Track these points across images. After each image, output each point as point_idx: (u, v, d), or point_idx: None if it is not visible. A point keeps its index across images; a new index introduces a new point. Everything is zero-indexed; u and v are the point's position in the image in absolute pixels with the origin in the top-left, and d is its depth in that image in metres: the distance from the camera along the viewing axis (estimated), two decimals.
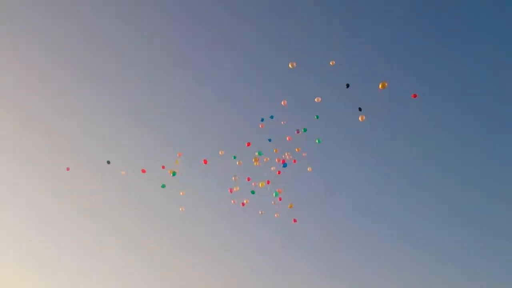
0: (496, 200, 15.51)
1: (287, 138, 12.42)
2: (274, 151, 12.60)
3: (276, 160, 12.51)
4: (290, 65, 11.34)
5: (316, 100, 11.49)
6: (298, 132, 12.32)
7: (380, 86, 10.31)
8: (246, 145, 12.85)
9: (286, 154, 12.45)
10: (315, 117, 11.89)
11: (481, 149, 16.12)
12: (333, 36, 16.98)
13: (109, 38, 17.96)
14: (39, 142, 17.36)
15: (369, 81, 12.01)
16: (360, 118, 11.05)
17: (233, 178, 13.02)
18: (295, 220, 12.60)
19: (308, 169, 12.60)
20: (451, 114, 16.34)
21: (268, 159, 12.70)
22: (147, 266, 16.26)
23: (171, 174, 13.17)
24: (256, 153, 12.49)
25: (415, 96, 10.84)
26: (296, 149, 12.37)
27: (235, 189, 12.89)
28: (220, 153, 13.10)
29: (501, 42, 16.04)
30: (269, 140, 12.71)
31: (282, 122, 12.35)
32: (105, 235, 16.44)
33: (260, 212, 13.13)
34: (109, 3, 17.96)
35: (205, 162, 13.17)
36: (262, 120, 12.59)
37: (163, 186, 13.30)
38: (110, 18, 17.91)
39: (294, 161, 12.51)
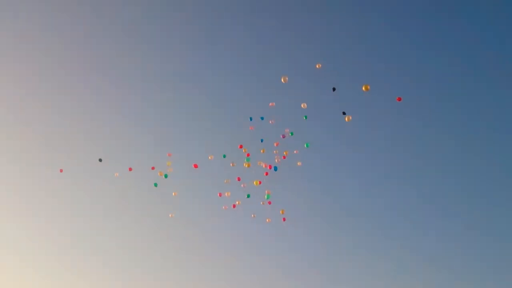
0: (494, 199, 15.45)
1: (275, 144, 12.49)
2: (261, 151, 12.61)
3: (264, 166, 12.51)
4: (282, 80, 11.44)
5: (302, 106, 11.62)
6: (283, 137, 12.37)
7: (363, 88, 10.54)
8: (239, 147, 12.90)
9: (275, 152, 12.44)
10: (304, 117, 11.94)
11: (478, 149, 16.01)
12: (324, 37, 17.03)
13: (105, 38, 18.14)
14: (34, 140, 17.62)
15: (364, 80, 11.88)
16: (346, 119, 11.08)
17: (225, 181, 13.04)
18: (284, 219, 12.60)
19: (298, 163, 12.60)
20: (448, 114, 16.24)
21: (261, 162, 12.74)
22: (141, 266, 16.41)
23: (163, 176, 13.27)
24: (245, 159, 12.53)
25: (399, 99, 11.00)
26: (284, 153, 12.43)
27: (226, 195, 12.89)
28: (209, 158, 13.15)
29: (495, 41, 15.97)
30: (261, 140, 12.73)
31: (270, 121, 12.38)
32: (98, 234, 16.60)
33: (252, 216, 13.14)
34: (104, 2, 18.17)
35: (196, 166, 13.22)
36: (251, 119, 12.62)
37: (156, 185, 13.37)
38: (103, 17, 18.10)
39: (284, 158, 12.51)
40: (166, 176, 13.25)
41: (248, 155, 12.67)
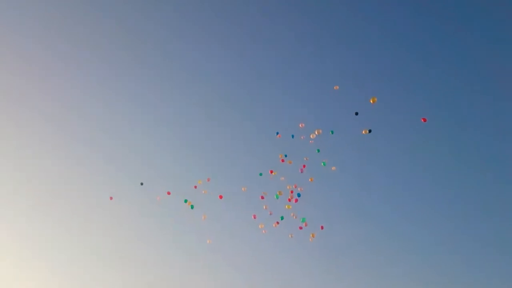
0: (493, 202, 15.42)
1: (294, 186, 13.16)
2: (289, 162, 13.19)
3: (290, 193, 13.16)
4: (316, 132, 12.29)
5: (316, 132, 12.20)
6: (304, 168, 12.98)
7: (371, 101, 11.14)
8: (270, 172, 13.54)
9: (290, 189, 13.24)
10: (330, 132, 12.40)
11: (479, 154, 16.07)
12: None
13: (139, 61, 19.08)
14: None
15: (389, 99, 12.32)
16: (363, 132, 11.44)
17: (264, 207, 13.66)
18: (322, 227, 13.06)
19: (332, 168, 13.05)
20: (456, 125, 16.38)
21: (291, 186, 13.36)
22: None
23: (190, 207, 13.97)
24: (274, 196, 13.21)
25: (425, 120, 11.42)
26: (310, 179, 13.04)
27: (260, 226, 13.57)
28: (242, 189, 13.87)
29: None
30: (285, 155, 13.45)
31: (301, 137, 13.02)
32: (135, 260, 17.28)
33: (290, 236, 13.61)
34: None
35: (221, 197, 13.91)
36: (277, 133, 13.31)
37: (186, 201, 14.03)
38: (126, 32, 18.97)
39: (301, 171, 13.12)
40: (192, 207, 13.93)
41: (282, 161, 13.36)
